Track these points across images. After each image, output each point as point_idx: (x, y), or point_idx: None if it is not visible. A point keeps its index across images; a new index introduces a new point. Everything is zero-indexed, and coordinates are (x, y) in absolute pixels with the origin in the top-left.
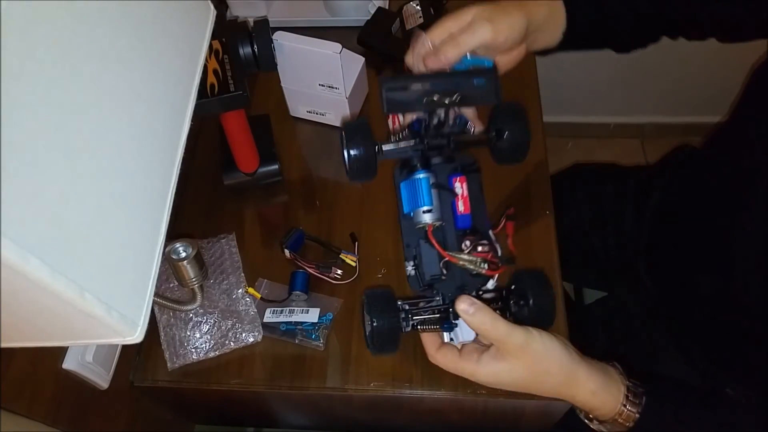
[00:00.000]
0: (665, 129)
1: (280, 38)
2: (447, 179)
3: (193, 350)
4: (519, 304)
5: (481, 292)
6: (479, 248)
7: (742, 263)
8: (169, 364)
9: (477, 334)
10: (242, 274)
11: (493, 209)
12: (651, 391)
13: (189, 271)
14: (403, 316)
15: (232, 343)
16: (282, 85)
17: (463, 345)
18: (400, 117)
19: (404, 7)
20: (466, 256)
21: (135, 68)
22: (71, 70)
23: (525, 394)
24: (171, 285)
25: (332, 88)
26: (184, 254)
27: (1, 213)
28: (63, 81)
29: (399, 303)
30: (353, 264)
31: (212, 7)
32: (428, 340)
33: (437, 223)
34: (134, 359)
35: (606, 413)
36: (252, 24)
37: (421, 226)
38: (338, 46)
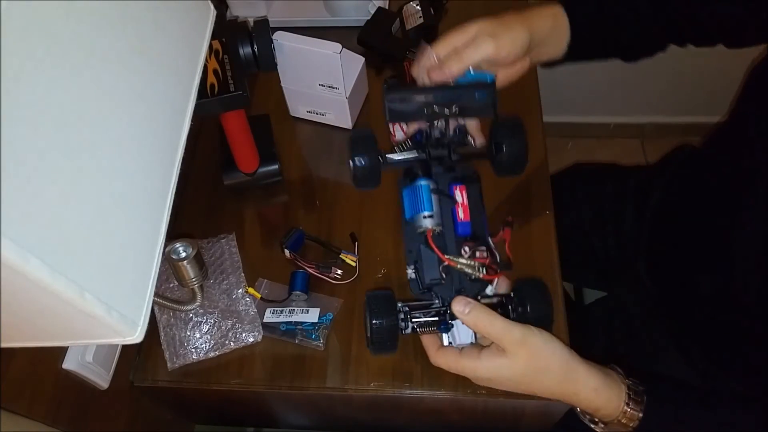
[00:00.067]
0: (665, 129)
1: (280, 38)
2: (448, 187)
3: (193, 350)
4: (518, 311)
5: (479, 298)
6: (478, 254)
7: (742, 263)
8: (169, 364)
9: (476, 337)
10: (242, 274)
11: (494, 208)
12: (651, 391)
13: (189, 271)
14: (402, 317)
15: (232, 343)
16: (282, 85)
17: (463, 347)
18: (404, 126)
19: (404, 7)
20: (464, 261)
21: (135, 68)
22: (71, 70)
23: (525, 395)
24: (171, 285)
25: (332, 88)
26: (184, 254)
27: (1, 213)
28: (63, 81)
29: (399, 305)
30: (353, 264)
31: (212, 7)
32: (429, 342)
33: (437, 229)
34: (134, 359)
35: (610, 413)
36: (252, 24)
37: (421, 230)
38: (338, 46)
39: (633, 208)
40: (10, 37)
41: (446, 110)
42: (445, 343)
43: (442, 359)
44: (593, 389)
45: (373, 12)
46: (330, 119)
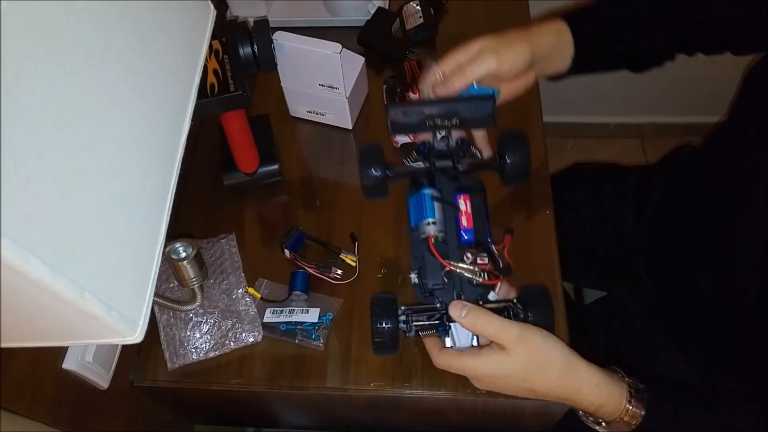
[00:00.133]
0: (665, 129)
1: (280, 38)
2: (452, 196)
3: (193, 350)
4: (519, 317)
5: (481, 303)
6: (479, 260)
7: (742, 263)
8: (169, 364)
9: (478, 342)
10: (242, 274)
11: (494, 208)
12: (652, 390)
13: (189, 271)
14: (404, 318)
15: (232, 343)
16: (282, 85)
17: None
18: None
19: (404, 7)
20: (464, 265)
21: (135, 68)
22: (71, 70)
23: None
24: (171, 285)
25: (332, 88)
26: (184, 254)
27: (1, 213)
28: (63, 81)
29: (402, 308)
30: (353, 264)
31: (212, 7)
32: (431, 344)
33: (440, 235)
34: (134, 359)
35: (612, 410)
36: (252, 24)
37: (424, 236)
38: (338, 46)
39: (633, 208)
40: (11, 37)
41: (447, 122)
42: (447, 345)
43: (443, 360)
44: (595, 384)
45: (373, 12)
46: (330, 119)
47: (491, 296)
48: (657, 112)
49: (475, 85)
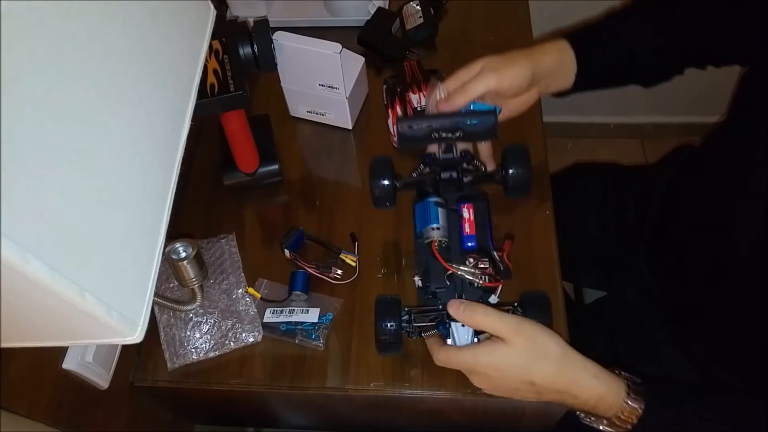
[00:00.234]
0: (665, 129)
1: (280, 38)
2: (457, 205)
3: (193, 350)
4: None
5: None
6: (480, 264)
7: (744, 259)
8: (169, 364)
9: (476, 339)
10: (242, 274)
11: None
12: (651, 387)
13: (189, 271)
14: (406, 318)
15: (232, 343)
16: (282, 85)
17: None
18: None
19: (404, 7)
20: (465, 268)
21: (135, 68)
22: (71, 70)
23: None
24: (171, 285)
25: (332, 88)
26: (184, 254)
27: (1, 213)
28: (63, 81)
29: (406, 308)
30: (353, 264)
31: (212, 7)
32: (432, 342)
33: (443, 240)
34: (134, 359)
35: (611, 403)
36: (252, 24)
37: (428, 241)
38: (338, 46)
39: (634, 207)
40: (11, 38)
41: (451, 135)
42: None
43: (443, 355)
44: (593, 375)
45: (373, 12)
46: (330, 119)
47: (492, 299)
48: (657, 112)
49: (480, 102)
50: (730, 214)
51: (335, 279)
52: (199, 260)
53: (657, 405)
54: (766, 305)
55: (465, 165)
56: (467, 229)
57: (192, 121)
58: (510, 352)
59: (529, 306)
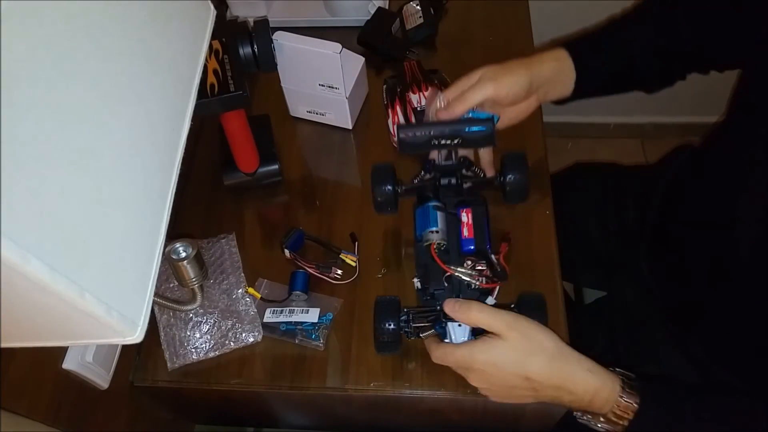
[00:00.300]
0: (665, 129)
1: (280, 38)
2: (456, 209)
3: (193, 350)
4: None
5: None
6: (478, 267)
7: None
8: (169, 364)
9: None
10: (242, 274)
11: (494, 206)
12: (646, 386)
13: (189, 271)
14: (405, 318)
15: (232, 343)
16: (282, 85)
17: None
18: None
19: (404, 7)
20: (462, 269)
21: (135, 68)
22: (71, 70)
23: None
24: (171, 285)
25: (332, 88)
26: (184, 254)
27: (1, 213)
28: (63, 81)
29: (405, 309)
30: (353, 264)
31: (212, 7)
32: (429, 341)
33: (442, 243)
34: (134, 359)
35: (607, 397)
36: (252, 24)
37: (427, 243)
38: (338, 46)
39: (634, 207)
40: (11, 38)
41: (451, 141)
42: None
43: (439, 351)
44: (587, 369)
45: (373, 12)
46: (330, 119)
47: (489, 301)
48: (657, 112)
49: (479, 111)
50: (730, 214)
51: (335, 279)
52: (199, 260)
53: (654, 403)
54: (766, 305)
55: (464, 171)
56: (465, 232)
57: (192, 121)
58: (505, 348)
59: (526, 307)
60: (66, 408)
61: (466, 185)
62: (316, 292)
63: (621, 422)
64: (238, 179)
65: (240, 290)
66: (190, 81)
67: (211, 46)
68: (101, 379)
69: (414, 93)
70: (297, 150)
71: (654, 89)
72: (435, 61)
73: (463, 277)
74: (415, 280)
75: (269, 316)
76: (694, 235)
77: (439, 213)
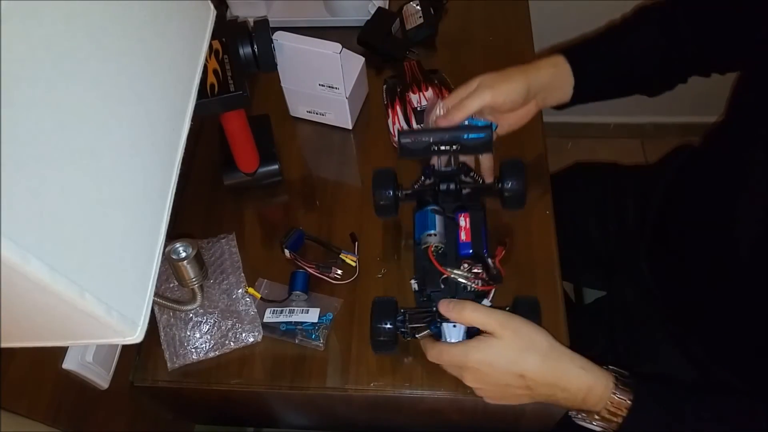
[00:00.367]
0: (665, 129)
1: (280, 38)
2: (454, 214)
3: (193, 350)
4: None
5: None
6: (474, 269)
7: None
8: (169, 364)
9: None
10: (242, 274)
11: (494, 206)
12: (640, 383)
13: (189, 271)
14: (401, 318)
15: (232, 343)
16: (282, 85)
17: None
18: (403, 126)
19: (404, 7)
20: (459, 272)
21: (135, 69)
22: (71, 70)
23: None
24: (171, 285)
25: (332, 88)
26: (184, 254)
27: (1, 213)
28: (63, 81)
29: (402, 310)
30: (353, 264)
31: (212, 7)
32: (425, 341)
33: (440, 246)
34: (134, 359)
35: (601, 393)
36: (252, 24)
37: (425, 246)
38: (338, 46)
39: (634, 207)
40: (11, 39)
41: (450, 148)
42: None
43: (435, 350)
44: (580, 366)
45: (373, 12)
46: (330, 119)
47: (485, 303)
48: (657, 112)
49: (471, 119)
50: (730, 214)
51: (335, 279)
52: (199, 260)
53: (652, 402)
54: (766, 305)
55: (463, 177)
56: (463, 236)
57: (192, 121)
58: (499, 346)
59: (521, 310)
60: (66, 408)
61: (465, 191)
62: (316, 292)
63: (615, 419)
64: (238, 179)
65: (240, 290)
66: (190, 81)
67: (211, 46)
68: (101, 379)
69: (414, 93)
70: (297, 150)
71: (655, 93)
72: (435, 61)
73: (460, 280)
74: (413, 281)
75: (269, 316)
76: (694, 235)
77: (437, 217)
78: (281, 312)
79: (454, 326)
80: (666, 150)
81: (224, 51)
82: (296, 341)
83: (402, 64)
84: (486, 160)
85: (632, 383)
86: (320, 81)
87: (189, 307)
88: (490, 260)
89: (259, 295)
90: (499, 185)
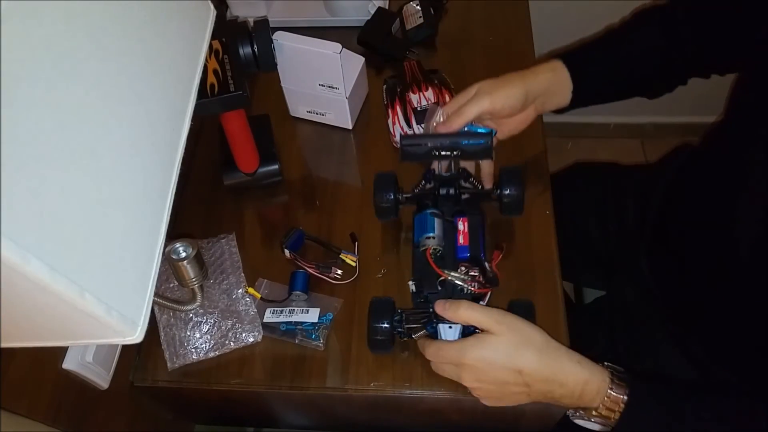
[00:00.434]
0: (665, 129)
1: (280, 38)
2: (453, 218)
3: (193, 350)
4: None
5: None
6: (471, 273)
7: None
8: (169, 364)
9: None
10: (242, 274)
11: (494, 207)
12: (636, 379)
13: (189, 271)
14: (398, 318)
15: (232, 343)
16: (282, 85)
17: None
18: (404, 128)
19: (404, 7)
20: (456, 274)
21: (135, 69)
22: (71, 70)
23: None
24: (171, 285)
25: (332, 88)
26: (184, 254)
27: (1, 213)
28: (63, 81)
29: (399, 310)
30: (353, 264)
31: (212, 7)
32: (421, 341)
33: (438, 249)
34: (134, 359)
35: (597, 388)
36: (252, 24)
37: (423, 248)
38: (338, 46)
39: (634, 207)
40: (11, 39)
41: (450, 153)
42: None
43: (432, 348)
44: (576, 361)
45: (373, 12)
46: (330, 119)
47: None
48: (657, 112)
49: (471, 126)
50: (730, 214)
51: (335, 279)
52: (199, 260)
53: (650, 399)
54: (766, 305)
55: (462, 182)
56: (461, 240)
57: (192, 121)
58: (496, 342)
59: (516, 313)
60: (66, 408)
61: (464, 196)
62: (316, 292)
63: (612, 415)
64: (238, 179)
65: (240, 290)
66: (190, 81)
67: (211, 46)
68: (101, 379)
69: (414, 93)
70: (297, 150)
71: (654, 95)
72: (435, 61)
73: (457, 282)
74: (411, 283)
75: (269, 316)
76: (694, 235)
77: (436, 220)
78: (281, 312)
79: (450, 327)
80: (666, 150)
81: (224, 51)
82: (296, 341)
83: (402, 64)
84: (486, 166)
85: (627, 379)
86: (320, 81)
87: (189, 307)
88: (487, 264)
89: (259, 295)
90: (498, 192)
